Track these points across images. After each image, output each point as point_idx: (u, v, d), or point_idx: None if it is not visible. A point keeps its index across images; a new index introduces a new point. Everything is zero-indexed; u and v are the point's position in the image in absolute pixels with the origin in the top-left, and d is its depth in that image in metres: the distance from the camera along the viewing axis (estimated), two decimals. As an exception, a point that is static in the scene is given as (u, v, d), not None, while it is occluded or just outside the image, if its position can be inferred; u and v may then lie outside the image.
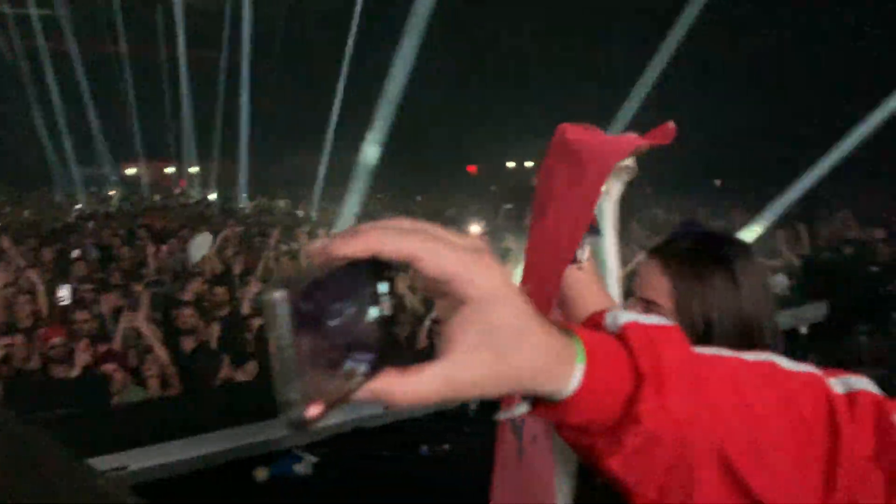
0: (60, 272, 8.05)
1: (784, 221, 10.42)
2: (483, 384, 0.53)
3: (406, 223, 0.53)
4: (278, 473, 2.39)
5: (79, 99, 22.92)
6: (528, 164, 27.11)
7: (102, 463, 2.06)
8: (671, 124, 1.15)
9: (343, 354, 0.50)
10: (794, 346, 4.10)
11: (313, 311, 0.48)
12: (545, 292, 1.22)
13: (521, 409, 0.58)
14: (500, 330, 0.52)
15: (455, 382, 0.52)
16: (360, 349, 0.52)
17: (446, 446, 2.56)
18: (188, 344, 5.74)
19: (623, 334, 0.58)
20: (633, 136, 1.22)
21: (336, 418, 2.56)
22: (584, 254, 1.22)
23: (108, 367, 4.60)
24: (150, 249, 8.99)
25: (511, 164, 26.69)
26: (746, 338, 1.15)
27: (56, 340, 4.75)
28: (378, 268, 0.53)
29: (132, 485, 2.11)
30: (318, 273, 0.50)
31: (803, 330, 4.10)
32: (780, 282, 7.41)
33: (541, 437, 1.33)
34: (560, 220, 1.21)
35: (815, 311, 4.03)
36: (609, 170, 1.17)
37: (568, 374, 0.55)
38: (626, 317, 0.60)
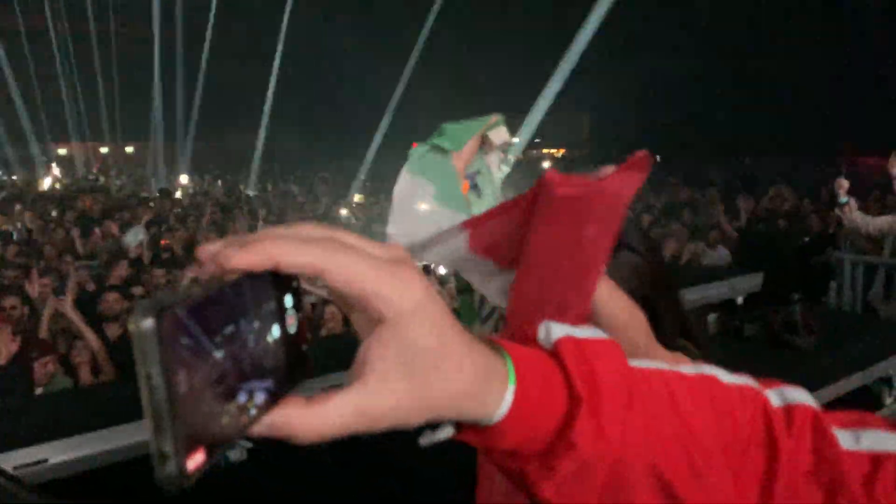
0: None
1: (722, 195, 10.70)
2: (401, 414, 0.46)
3: (312, 229, 0.46)
4: (210, 461, 2.29)
5: (8, 77, 21.81)
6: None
7: (19, 457, 1.94)
8: (641, 153, 1.02)
9: (237, 383, 0.42)
10: (731, 316, 4.19)
11: (200, 335, 0.40)
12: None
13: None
14: (418, 352, 0.46)
15: (368, 413, 0.45)
16: (257, 376, 0.44)
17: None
18: (113, 331, 5.52)
19: (556, 350, 0.53)
20: (612, 171, 1.09)
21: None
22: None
23: (41, 361, 4.36)
24: (76, 233, 8.65)
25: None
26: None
27: None
28: (280, 278, 0.46)
29: (51, 479, 2.00)
30: (206, 288, 0.41)
31: (739, 300, 4.19)
32: (722, 254, 7.62)
33: None
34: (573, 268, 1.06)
35: (751, 281, 4.12)
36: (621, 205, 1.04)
37: (497, 398, 0.49)
38: (560, 330, 0.55)
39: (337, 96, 23.13)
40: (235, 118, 22.68)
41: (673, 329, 1.24)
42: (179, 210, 12.18)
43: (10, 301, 5.47)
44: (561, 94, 14.80)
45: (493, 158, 1.79)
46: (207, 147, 23.43)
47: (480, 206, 1.69)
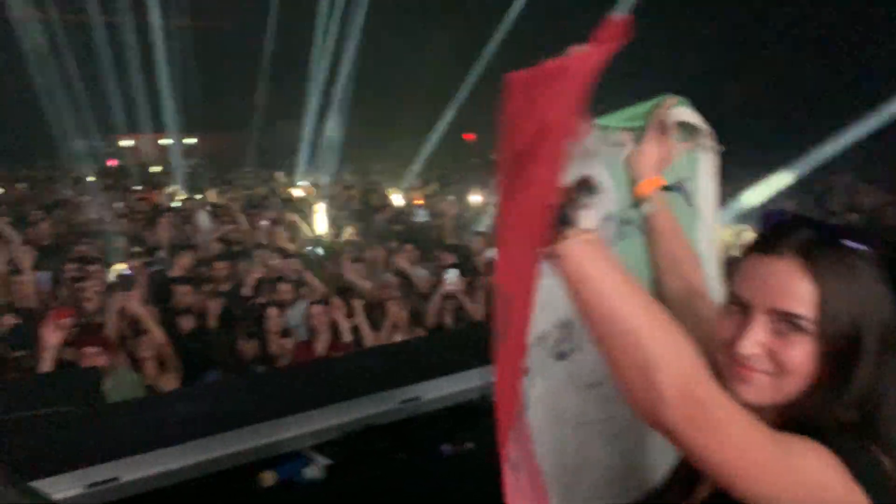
0: (56, 248, 7.82)
1: (793, 189, 10.18)
2: None
3: None
4: (286, 477, 2.18)
5: (71, 71, 22.43)
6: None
7: (88, 475, 1.84)
8: (615, 17, 0.90)
9: None
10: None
11: None
12: (522, 268, 0.97)
13: None
14: None
15: None
16: None
17: (470, 445, 2.34)
18: (187, 323, 5.53)
19: None
20: (577, 50, 0.91)
21: (346, 415, 2.34)
22: (586, 219, 0.94)
23: (89, 351, 4.28)
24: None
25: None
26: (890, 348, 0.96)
27: (65, 321, 4.44)
28: None
29: (122, 498, 1.90)
30: None
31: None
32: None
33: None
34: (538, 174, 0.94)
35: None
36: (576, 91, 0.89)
37: None
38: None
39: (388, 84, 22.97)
40: (289, 109, 22.79)
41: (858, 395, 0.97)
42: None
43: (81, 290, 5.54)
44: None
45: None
46: (269, 138, 23.65)
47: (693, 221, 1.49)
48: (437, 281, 6.30)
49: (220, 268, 6.79)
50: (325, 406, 2.34)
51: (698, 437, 0.88)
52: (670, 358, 0.87)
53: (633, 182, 1.44)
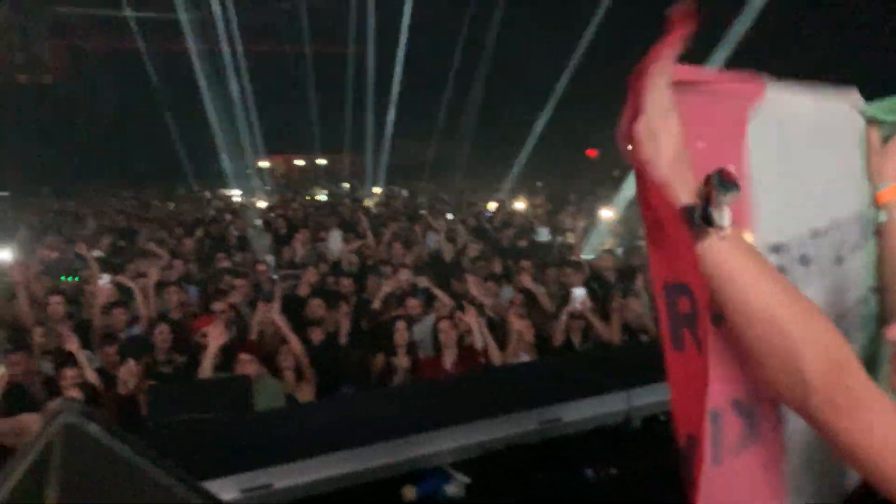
0: (201, 263, 8.38)
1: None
2: None
3: None
4: (427, 493, 2.17)
5: (216, 98, 24.21)
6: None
7: (243, 481, 1.91)
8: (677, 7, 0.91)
9: None
10: None
11: None
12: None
13: None
14: None
15: None
16: None
17: (613, 470, 2.24)
18: (317, 336, 5.71)
19: None
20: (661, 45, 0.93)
21: (486, 433, 2.31)
22: (724, 217, 0.90)
23: (244, 357, 4.59)
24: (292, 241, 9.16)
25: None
26: None
27: (222, 330, 4.77)
28: None
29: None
30: None
31: None
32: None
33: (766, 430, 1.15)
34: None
35: None
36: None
37: None
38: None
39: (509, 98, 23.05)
40: (418, 129, 23.39)
41: None
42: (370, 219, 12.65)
43: (219, 305, 5.88)
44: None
45: None
46: (396, 158, 24.39)
47: None
48: (564, 299, 6.18)
49: (347, 283, 7.00)
50: (465, 423, 2.33)
51: (842, 422, 0.89)
52: (815, 345, 0.90)
53: (873, 185, 1.34)
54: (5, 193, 19.60)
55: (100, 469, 0.92)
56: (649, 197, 0.98)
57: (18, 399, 4.27)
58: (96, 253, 8.09)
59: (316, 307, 6.13)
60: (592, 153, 26.61)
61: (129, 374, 4.37)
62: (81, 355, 4.47)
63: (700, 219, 0.90)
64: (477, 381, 3.40)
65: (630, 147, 0.95)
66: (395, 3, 22.94)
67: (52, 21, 22.73)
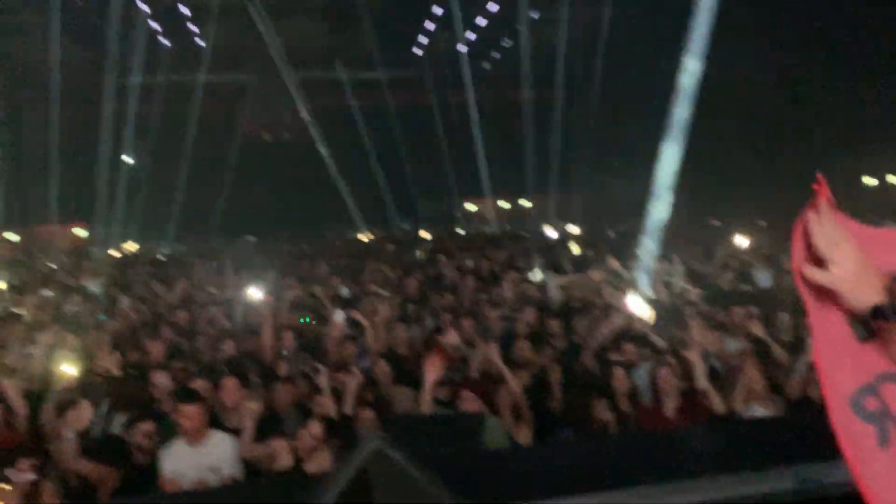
0: (421, 302, 8.85)
1: None
2: None
3: None
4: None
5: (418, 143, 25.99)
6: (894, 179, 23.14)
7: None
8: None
9: None
10: None
11: None
12: None
13: None
14: None
15: None
16: None
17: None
18: (523, 378, 5.73)
19: None
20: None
21: (735, 490, 2.18)
22: None
23: (467, 395, 4.77)
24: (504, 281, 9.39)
25: (870, 181, 23.03)
26: None
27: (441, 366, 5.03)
28: None
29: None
30: None
31: None
32: None
33: None
34: None
35: None
36: None
37: None
38: None
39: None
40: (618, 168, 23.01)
41: None
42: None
43: (452, 338, 6.18)
44: None
45: None
46: (597, 196, 24.19)
47: None
48: (798, 348, 5.67)
49: (555, 324, 6.99)
50: (703, 476, 2.23)
51: None
52: None
53: None
54: (253, 238, 22.28)
55: (404, 492, 1.03)
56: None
57: (272, 426, 4.76)
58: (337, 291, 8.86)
59: (524, 348, 6.18)
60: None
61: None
62: (327, 385, 4.92)
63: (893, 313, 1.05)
64: (710, 431, 3.23)
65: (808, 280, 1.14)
66: (595, 44, 23.02)
67: (294, 85, 25.74)
